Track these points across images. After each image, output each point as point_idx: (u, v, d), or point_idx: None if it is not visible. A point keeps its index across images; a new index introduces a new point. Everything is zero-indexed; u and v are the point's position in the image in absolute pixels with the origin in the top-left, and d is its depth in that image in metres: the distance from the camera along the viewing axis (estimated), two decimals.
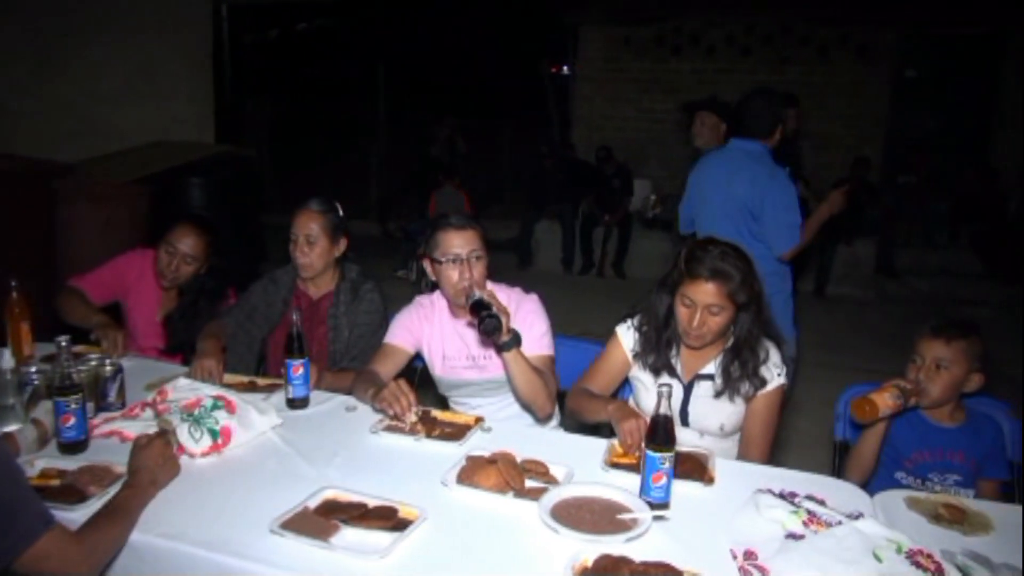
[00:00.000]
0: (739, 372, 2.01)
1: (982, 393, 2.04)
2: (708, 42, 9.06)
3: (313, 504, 1.55)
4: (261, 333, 2.58)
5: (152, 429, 1.86)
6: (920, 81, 8.70)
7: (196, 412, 1.84)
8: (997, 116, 8.53)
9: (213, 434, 1.81)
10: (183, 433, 1.79)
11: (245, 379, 2.32)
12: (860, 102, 8.73)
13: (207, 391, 1.94)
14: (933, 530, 1.57)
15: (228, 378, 2.29)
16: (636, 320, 2.16)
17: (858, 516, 1.51)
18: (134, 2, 6.49)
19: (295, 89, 12.59)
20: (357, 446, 1.90)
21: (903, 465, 2.04)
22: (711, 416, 2.06)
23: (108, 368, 2.05)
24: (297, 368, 2.09)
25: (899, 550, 1.36)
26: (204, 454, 1.79)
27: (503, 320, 1.93)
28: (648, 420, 1.66)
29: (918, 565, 1.33)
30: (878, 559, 1.34)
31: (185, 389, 1.97)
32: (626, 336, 2.16)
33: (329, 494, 1.59)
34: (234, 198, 5.42)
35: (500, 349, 2.02)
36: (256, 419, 1.92)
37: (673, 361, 2.10)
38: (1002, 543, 1.52)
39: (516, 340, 2.03)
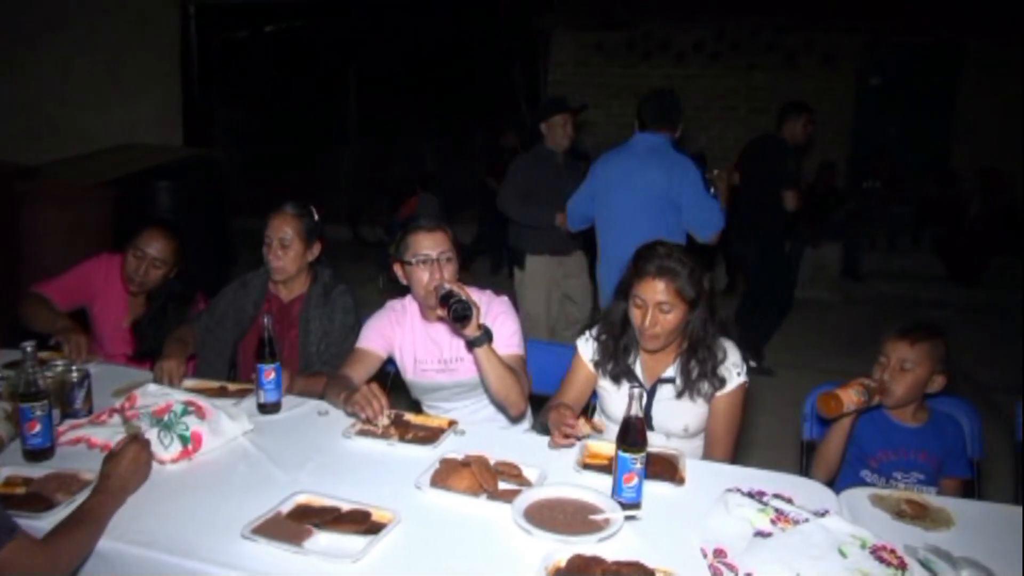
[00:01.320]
0: (698, 371, 2.03)
1: (944, 392, 2.09)
2: (678, 48, 9.16)
3: (285, 509, 1.55)
4: (232, 338, 2.56)
5: (120, 435, 1.84)
6: (883, 88, 8.89)
7: (166, 418, 1.82)
8: (956, 123, 8.75)
9: (183, 440, 1.79)
10: (152, 439, 1.77)
11: (215, 384, 2.29)
12: (826, 108, 8.86)
13: (177, 396, 1.92)
14: (896, 526, 1.61)
15: (198, 383, 2.28)
16: (594, 330, 2.17)
17: (824, 513, 1.54)
18: (99, 1, 6.38)
19: (265, 91, 12.46)
20: (330, 450, 1.89)
21: (868, 464, 2.09)
22: (675, 418, 2.08)
23: (75, 374, 2.02)
24: (268, 373, 2.08)
25: (863, 546, 1.39)
26: (174, 460, 1.77)
27: (473, 309, 1.95)
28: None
29: (882, 560, 1.37)
30: (843, 555, 1.37)
31: (154, 395, 1.95)
32: (585, 348, 2.17)
33: (302, 499, 1.59)
34: (203, 202, 5.35)
35: (471, 345, 2.04)
36: (227, 425, 1.90)
37: (633, 367, 2.11)
38: (962, 538, 1.57)
39: (487, 336, 2.05)
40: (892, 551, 1.39)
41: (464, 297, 1.98)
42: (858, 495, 1.75)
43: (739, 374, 2.07)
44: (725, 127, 9.24)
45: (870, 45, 8.76)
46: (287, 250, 2.44)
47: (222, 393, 2.22)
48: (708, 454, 2.11)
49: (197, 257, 2.91)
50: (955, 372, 2.06)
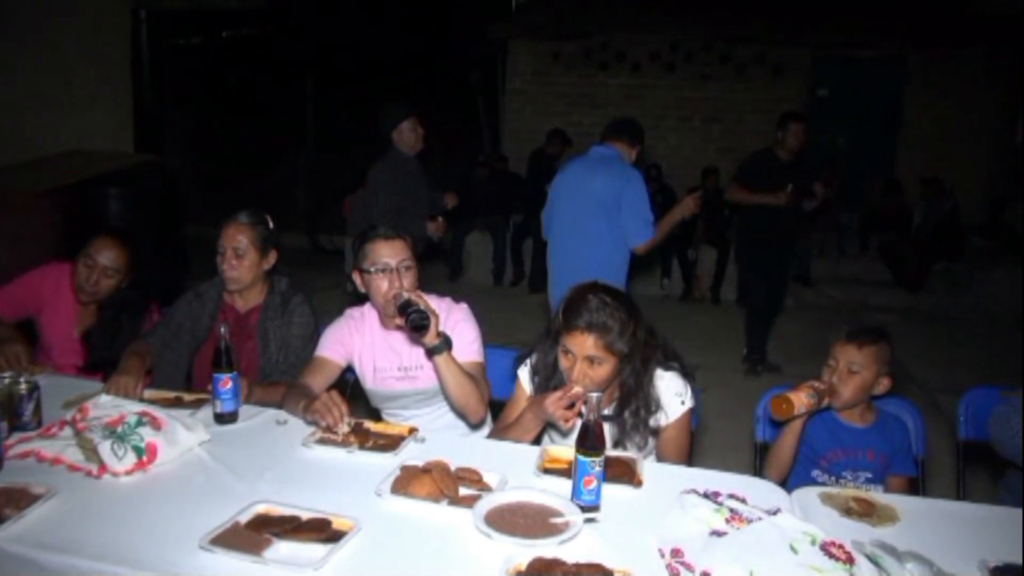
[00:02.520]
0: (631, 422, 2.01)
1: (890, 393, 2.17)
2: (634, 58, 9.31)
3: (244, 519, 1.53)
4: (188, 350, 2.51)
5: (71, 448, 1.80)
6: (831, 99, 9.15)
7: (119, 429, 1.79)
8: (901, 133, 9.05)
9: (138, 451, 1.76)
10: (105, 451, 1.73)
11: (171, 394, 2.25)
12: (775, 119, 9.11)
13: (130, 407, 1.89)
14: (845, 523, 1.67)
15: (153, 394, 2.23)
16: (532, 362, 2.15)
17: (776, 512, 1.58)
18: (45, 3, 6.22)
19: (221, 98, 12.26)
20: (289, 459, 1.88)
21: (818, 463, 2.15)
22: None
23: (23, 386, 1.96)
24: (225, 382, 2.05)
25: (814, 542, 1.44)
26: (128, 472, 1.73)
27: (431, 318, 1.96)
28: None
29: (831, 555, 1.41)
30: (794, 551, 1.41)
31: (107, 406, 1.90)
32: (525, 380, 2.16)
33: (261, 508, 1.57)
34: (155, 209, 5.24)
35: (431, 353, 2.04)
36: (183, 435, 1.87)
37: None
38: (907, 532, 1.63)
39: (447, 344, 2.05)
40: (841, 547, 1.44)
41: (423, 306, 1.98)
42: (809, 494, 1.81)
43: (683, 403, 2.06)
44: (680, 136, 9.41)
45: (818, 58, 9.02)
46: (241, 259, 2.41)
47: (178, 403, 2.18)
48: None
49: (150, 266, 2.85)
50: (900, 373, 2.14)
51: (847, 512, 1.71)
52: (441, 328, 2.06)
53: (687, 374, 2.10)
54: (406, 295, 2.03)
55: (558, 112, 9.59)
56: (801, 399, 1.98)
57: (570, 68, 9.48)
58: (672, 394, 2.05)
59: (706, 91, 9.19)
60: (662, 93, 9.25)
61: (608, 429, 2.01)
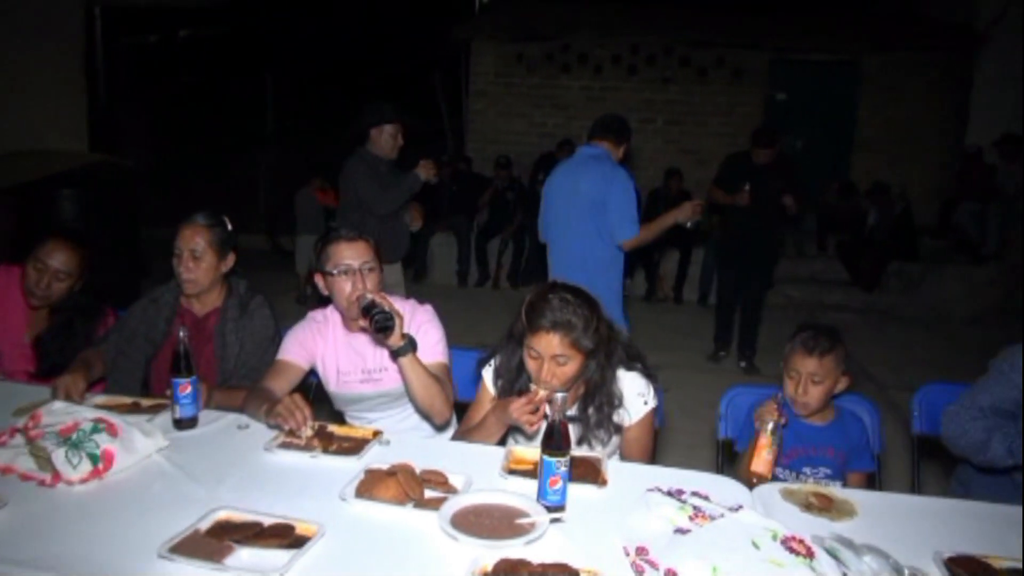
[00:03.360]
0: (595, 418, 2.02)
1: (847, 390, 2.21)
2: (596, 61, 9.38)
3: (204, 526, 1.50)
4: (144, 357, 2.44)
5: (23, 457, 1.75)
6: (788, 103, 9.33)
7: (74, 436, 1.74)
8: (855, 136, 9.27)
9: (93, 459, 1.71)
10: (59, 459, 1.68)
11: (128, 400, 2.20)
12: (736, 121, 9.27)
13: (86, 414, 1.84)
14: (805, 518, 1.70)
15: (109, 400, 2.18)
16: (495, 364, 2.14)
17: (738, 508, 1.61)
18: None
19: (178, 96, 12.03)
20: (251, 464, 1.85)
21: (780, 461, 2.18)
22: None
23: None
24: (184, 387, 2.01)
25: (775, 537, 1.46)
26: (83, 480, 1.69)
27: (396, 320, 1.95)
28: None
29: (791, 550, 1.44)
30: (756, 546, 1.44)
31: (60, 413, 1.85)
32: (489, 381, 2.16)
33: (222, 515, 1.54)
34: (110, 210, 5.13)
35: (395, 355, 2.03)
36: (140, 441, 1.83)
37: None
38: (865, 526, 1.67)
39: (411, 345, 2.04)
40: (801, 541, 1.47)
41: (387, 308, 1.97)
42: (770, 490, 1.84)
43: (645, 402, 2.07)
44: (643, 138, 9.50)
45: (775, 62, 9.19)
46: (199, 262, 2.36)
47: (135, 409, 2.13)
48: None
49: (105, 268, 2.78)
50: (857, 371, 2.19)
51: (807, 507, 1.75)
52: (405, 329, 2.05)
53: (650, 374, 2.11)
54: (369, 297, 2.01)
55: (521, 113, 9.62)
56: (767, 461, 1.96)
57: (533, 70, 9.52)
58: (635, 394, 2.06)
59: (667, 94, 9.30)
60: (624, 95, 9.34)
61: (573, 428, 2.01)
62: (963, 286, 7.61)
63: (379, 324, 1.94)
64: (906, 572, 1.43)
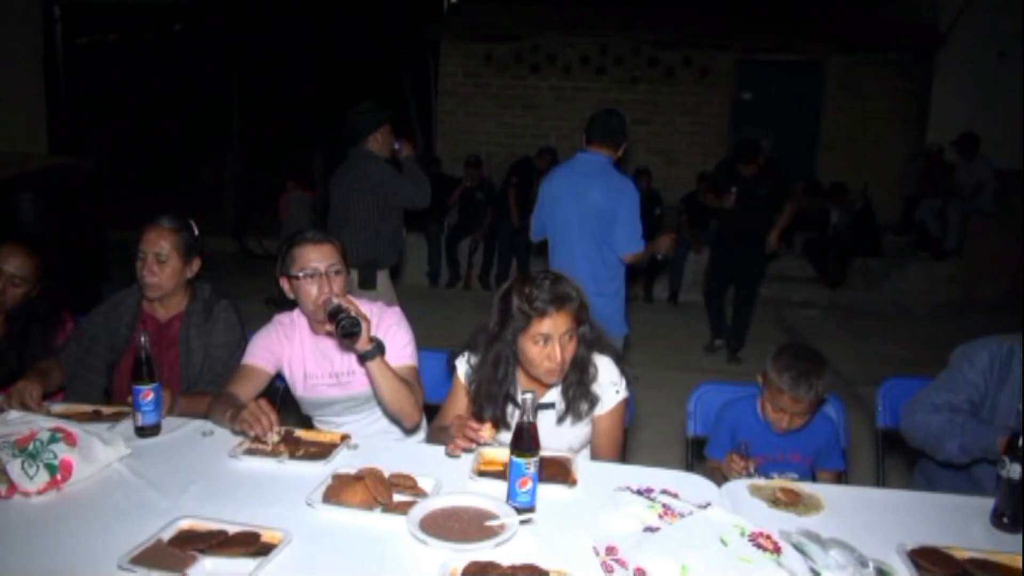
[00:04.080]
0: (576, 392, 2.03)
1: None
2: (564, 61, 9.41)
3: (167, 535, 1.47)
4: (105, 364, 2.39)
5: None
6: (754, 102, 9.45)
7: (31, 446, 1.69)
8: (819, 135, 9.41)
9: (51, 469, 1.67)
10: (15, 470, 1.64)
11: (87, 408, 2.15)
12: (703, 120, 9.38)
13: (43, 423, 1.79)
14: (772, 513, 1.72)
15: (67, 408, 2.13)
16: (471, 355, 2.12)
17: (707, 505, 1.62)
18: None
19: (142, 98, 11.81)
20: (215, 472, 1.81)
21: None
22: (558, 440, 2.06)
23: None
24: (147, 394, 1.96)
25: (743, 533, 1.48)
26: (41, 492, 1.64)
27: (362, 324, 1.93)
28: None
29: (759, 546, 1.45)
30: (724, 543, 1.45)
31: (16, 423, 1.81)
32: (463, 368, 2.13)
33: (185, 524, 1.51)
34: (71, 214, 5.01)
35: (363, 359, 2.01)
36: (101, 450, 1.79)
37: (516, 396, 2.07)
38: (831, 520, 1.69)
39: (379, 349, 2.02)
40: (768, 537, 1.48)
41: (353, 312, 1.95)
42: (737, 486, 1.85)
43: (617, 392, 2.08)
44: None
45: (741, 62, 9.30)
46: (163, 266, 2.31)
47: (95, 417, 2.08)
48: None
49: (64, 274, 2.70)
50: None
51: (774, 503, 1.76)
52: (373, 333, 2.03)
53: (622, 366, 2.12)
54: (336, 301, 1.99)
55: (491, 114, 9.62)
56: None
57: (502, 70, 9.52)
58: (608, 382, 2.07)
59: (635, 93, 9.36)
60: (593, 95, 9.38)
61: (552, 415, 2.05)
62: (925, 281, 7.78)
63: (345, 329, 1.91)
64: (871, 565, 1.45)
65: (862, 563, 1.44)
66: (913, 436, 2.16)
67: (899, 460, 2.92)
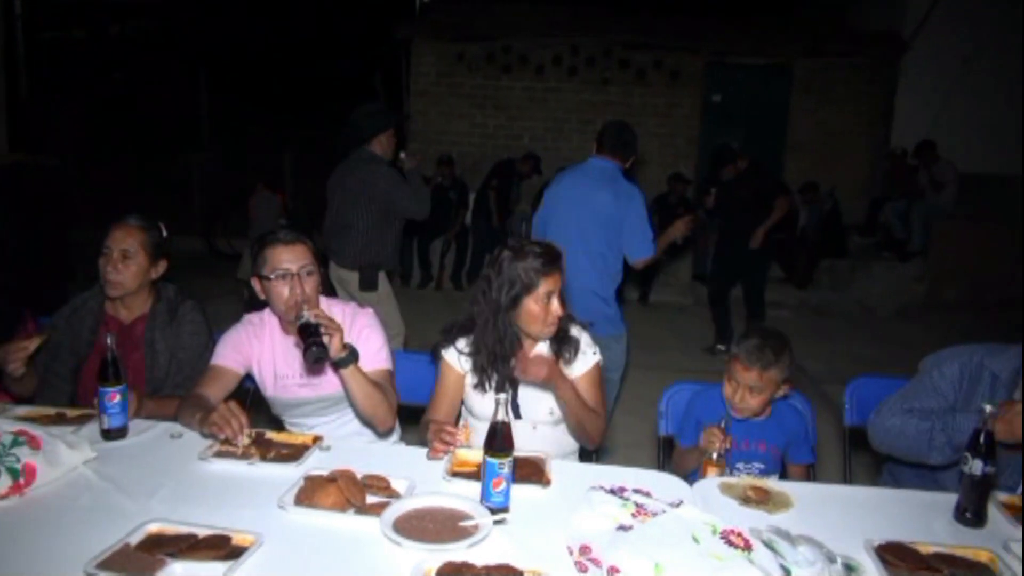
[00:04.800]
0: (563, 340, 2.16)
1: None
2: (537, 62, 9.43)
3: (135, 540, 1.45)
4: (70, 370, 2.34)
5: None
6: (724, 105, 9.56)
7: None
8: (787, 138, 9.55)
9: (13, 473, 1.63)
10: None
11: (52, 411, 2.10)
12: (673, 122, 9.46)
13: (5, 427, 1.75)
14: (743, 511, 1.74)
15: (31, 411, 2.08)
16: (461, 343, 2.17)
17: (679, 504, 1.63)
18: None
19: (109, 94, 11.58)
20: (184, 475, 1.79)
21: None
22: (540, 403, 2.14)
23: None
24: (113, 396, 1.93)
25: (714, 531, 1.49)
26: (2, 496, 1.60)
27: (329, 346, 1.90)
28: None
29: (730, 543, 1.47)
30: (696, 541, 1.46)
31: None
32: (452, 355, 2.17)
33: (153, 528, 1.49)
34: (31, 212, 4.90)
35: (337, 366, 1.99)
36: (65, 454, 1.75)
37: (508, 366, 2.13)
38: (801, 517, 1.71)
39: (353, 356, 2.00)
40: (739, 534, 1.50)
41: (323, 330, 1.90)
42: (709, 485, 1.87)
43: (594, 354, 2.21)
44: (584, 139, 9.58)
45: (711, 64, 9.40)
46: (128, 263, 2.26)
47: (60, 420, 2.04)
48: (586, 430, 2.17)
49: (24, 272, 2.64)
50: (793, 367, 2.22)
51: (745, 501, 1.79)
52: (347, 334, 2.02)
53: (591, 335, 2.26)
54: (306, 315, 1.92)
55: (463, 114, 9.61)
56: (715, 470, 1.98)
57: (474, 70, 9.51)
58: (585, 344, 2.20)
59: (607, 95, 9.41)
60: (565, 96, 9.42)
61: (549, 346, 2.15)
62: (890, 282, 7.93)
63: (310, 357, 1.86)
64: (839, 561, 1.47)
65: (830, 559, 1.47)
66: (887, 443, 2.12)
67: (866, 457, 2.97)
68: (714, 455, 2.00)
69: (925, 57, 8.92)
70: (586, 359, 2.19)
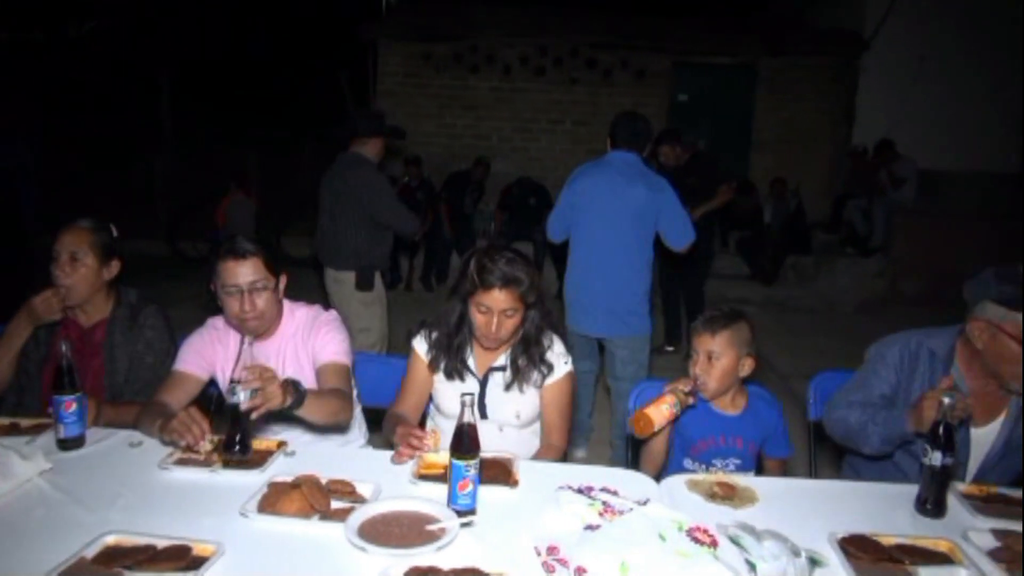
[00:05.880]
0: (527, 363, 2.15)
1: (751, 380, 2.27)
2: (504, 61, 9.43)
3: (91, 552, 1.41)
4: (32, 375, 2.29)
5: None
6: (690, 104, 9.65)
7: None
8: (752, 137, 9.67)
9: None
10: None
11: (5, 421, 2.04)
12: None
13: None
14: (709, 507, 1.75)
15: None
16: (428, 330, 2.22)
17: (646, 502, 1.64)
18: None
19: (68, 96, 11.29)
20: (144, 484, 1.75)
21: (690, 452, 2.20)
22: (507, 405, 2.17)
23: None
24: (69, 404, 1.88)
25: (680, 528, 1.50)
26: None
27: (251, 453, 1.80)
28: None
29: (696, 540, 1.48)
30: (663, 539, 1.46)
31: None
32: (421, 347, 2.22)
33: (111, 539, 1.45)
34: None
35: (288, 409, 1.87)
36: (19, 466, 1.70)
37: (467, 360, 2.19)
38: (766, 512, 1.73)
39: (299, 400, 1.86)
40: (705, 531, 1.51)
41: (238, 448, 1.77)
42: (676, 482, 1.88)
43: (565, 363, 2.20)
44: (552, 139, 9.63)
45: (677, 64, 9.48)
46: (77, 265, 2.22)
47: (12, 430, 1.98)
48: (546, 440, 2.21)
49: None
50: (760, 362, 2.24)
51: (711, 497, 1.80)
52: (308, 339, 2.06)
53: (567, 344, 2.25)
54: (238, 395, 1.73)
55: (430, 114, 9.57)
56: (661, 412, 1.97)
57: (441, 70, 9.48)
58: (557, 353, 2.20)
59: (574, 95, 9.45)
60: (532, 96, 9.43)
61: (504, 375, 2.15)
62: (853, 277, 8.06)
63: (229, 456, 1.76)
64: (803, 554, 1.49)
65: (794, 553, 1.48)
66: (835, 432, 2.22)
67: (831, 451, 3.01)
68: (678, 388, 2.03)
69: (884, 56, 9.10)
70: (558, 367, 2.19)
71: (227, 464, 1.80)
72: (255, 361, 2.17)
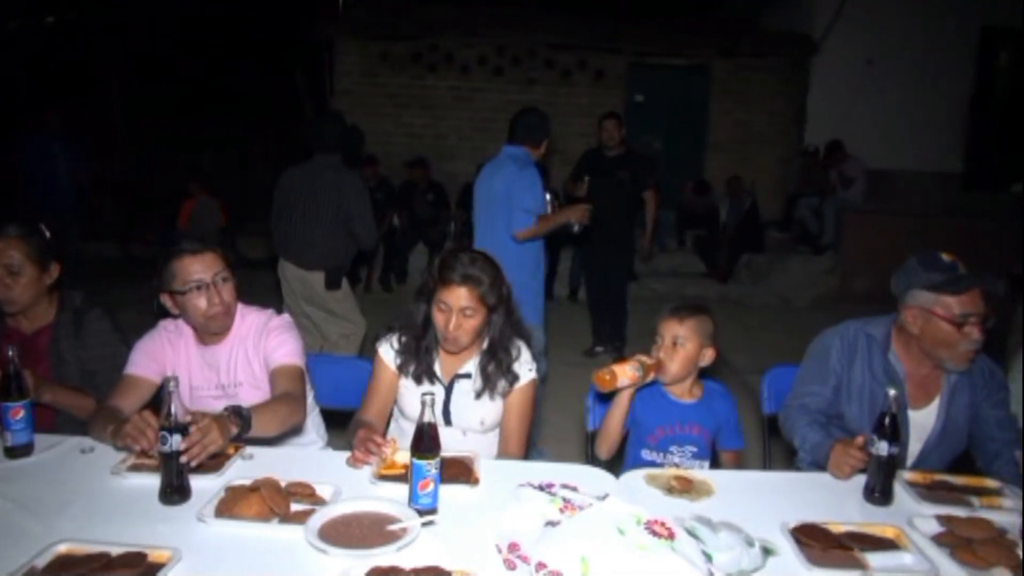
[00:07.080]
0: (495, 370, 2.14)
1: (707, 375, 2.32)
2: (462, 61, 9.41)
3: (42, 562, 1.38)
4: None
5: None
6: (647, 104, 9.76)
7: None
8: (707, 136, 9.83)
9: None
10: None
11: None
12: (598, 122, 9.59)
13: None
14: (667, 501, 1.79)
15: None
16: (395, 335, 2.21)
17: (605, 497, 1.66)
18: None
19: (10, 95, 10.92)
20: (96, 491, 1.71)
21: (647, 442, 2.23)
22: (472, 413, 2.17)
23: None
24: (16, 412, 1.83)
25: (639, 522, 1.52)
26: None
27: (187, 496, 1.69)
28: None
29: (655, 533, 1.50)
30: (622, 532, 1.48)
31: None
32: (387, 352, 2.20)
33: (62, 548, 1.42)
34: None
35: (237, 437, 1.83)
36: None
37: (433, 365, 2.18)
38: (722, 504, 1.77)
39: (246, 425, 1.81)
40: (663, 524, 1.53)
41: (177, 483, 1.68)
42: (635, 476, 1.92)
43: (530, 370, 2.20)
44: None
45: (633, 65, 9.58)
46: (17, 278, 2.16)
47: None
48: (504, 448, 2.20)
49: None
50: (716, 358, 2.28)
51: (669, 490, 1.84)
52: (259, 342, 2.08)
53: (533, 351, 2.25)
54: (170, 443, 1.63)
55: (388, 114, 9.50)
56: (625, 371, 2.05)
57: (399, 69, 9.42)
58: (523, 360, 2.20)
59: (532, 95, 9.45)
60: (491, 96, 9.43)
61: (473, 381, 2.14)
62: (805, 275, 8.26)
63: (171, 503, 1.67)
64: (756, 544, 1.53)
65: (748, 543, 1.52)
66: (792, 441, 2.26)
67: (783, 443, 3.08)
68: (644, 358, 2.10)
69: (833, 59, 9.32)
70: (523, 374, 2.19)
71: (166, 502, 1.67)
72: (205, 368, 2.14)
